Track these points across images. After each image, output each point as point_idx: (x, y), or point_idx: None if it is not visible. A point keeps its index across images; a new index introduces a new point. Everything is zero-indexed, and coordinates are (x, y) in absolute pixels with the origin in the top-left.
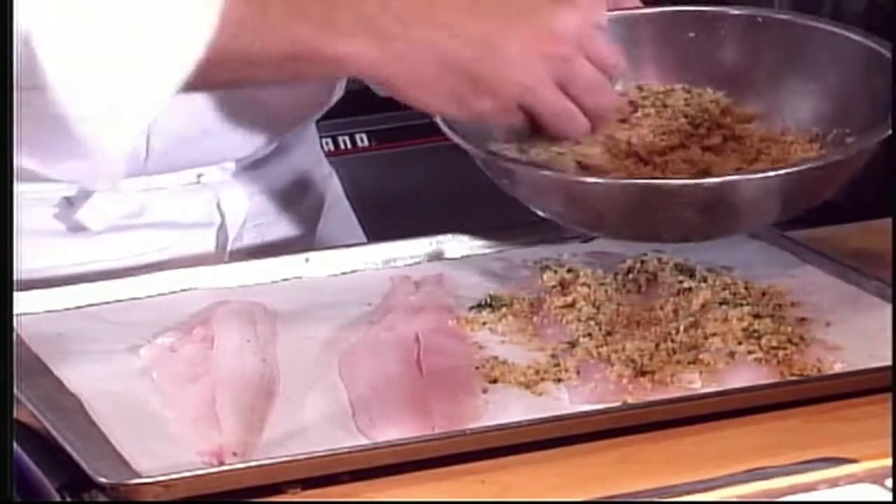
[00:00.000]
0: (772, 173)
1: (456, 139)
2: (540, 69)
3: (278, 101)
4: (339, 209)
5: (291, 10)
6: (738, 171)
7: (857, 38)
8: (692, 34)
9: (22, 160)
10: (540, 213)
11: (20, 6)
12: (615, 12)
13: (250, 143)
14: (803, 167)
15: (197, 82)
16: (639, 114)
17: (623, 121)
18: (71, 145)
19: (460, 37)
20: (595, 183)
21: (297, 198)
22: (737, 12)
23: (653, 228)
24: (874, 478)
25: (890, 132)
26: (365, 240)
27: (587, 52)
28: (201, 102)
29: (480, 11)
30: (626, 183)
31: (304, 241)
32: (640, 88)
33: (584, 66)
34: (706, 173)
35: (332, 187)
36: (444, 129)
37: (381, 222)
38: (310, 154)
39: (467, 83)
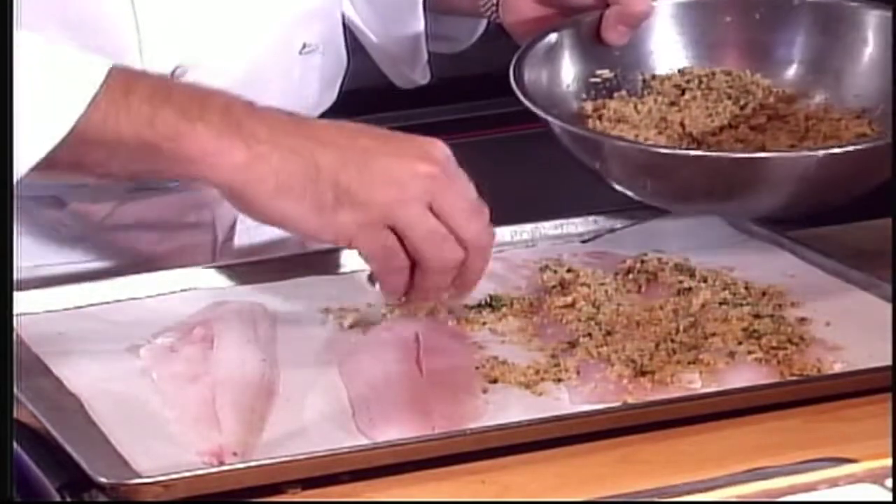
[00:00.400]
0: (870, 144)
1: (535, 109)
2: (410, 185)
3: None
4: None
5: (157, 97)
6: (826, 145)
7: (887, 14)
8: (728, 18)
9: None
10: (618, 187)
11: None
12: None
13: None
14: (874, 143)
15: (40, 162)
16: (686, 96)
17: (672, 104)
18: None
19: (329, 146)
20: (695, 156)
21: None
22: None
23: (744, 201)
24: (874, 478)
25: None
26: None
27: (460, 183)
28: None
29: (349, 129)
30: (734, 156)
31: (295, 243)
32: (682, 72)
33: (457, 190)
34: (763, 150)
35: None
36: (518, 93)
37: None
38: None
39: (332, 193)
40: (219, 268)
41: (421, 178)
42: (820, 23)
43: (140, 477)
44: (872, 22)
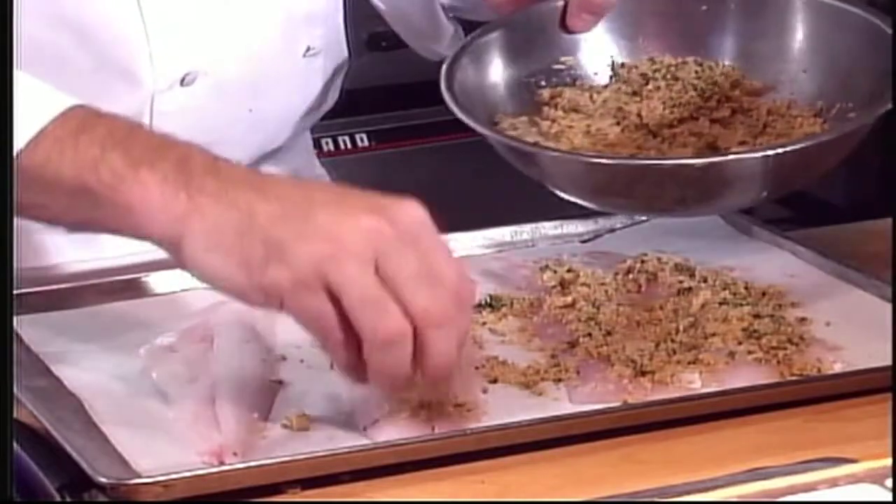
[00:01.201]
0: (747, 155)
1: (460, 115)
2: (348, 240)
3: (271, 109)
4: None
5: (109, 139)
6: (726, 151)
7: (859, 12)
8: (704, 7)
9: None
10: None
11: None
12: None
13: (243, 151)
14: (781, 150)
15: None
16: (650, 86)
17: (634, 93)
18: None
19: (273, 199)
20: (587, 162)
21: None
22: None
23: (648, 202)
24: (874, 478)
25: (888, 107)
26: None
27: (421, 247)
28: (197, 115)
29: (309, 186)
30: (616, 163)
31: None
32: (653, 61)
33: (411, 256)
34: (711, 147)
35: None
36: (450, 103)
37: None
38: (303, 156)
39: (263, 248)
40: None
41: (363, 232)
42: (792, 16)
43: (140, 477)
44: (841, 18)
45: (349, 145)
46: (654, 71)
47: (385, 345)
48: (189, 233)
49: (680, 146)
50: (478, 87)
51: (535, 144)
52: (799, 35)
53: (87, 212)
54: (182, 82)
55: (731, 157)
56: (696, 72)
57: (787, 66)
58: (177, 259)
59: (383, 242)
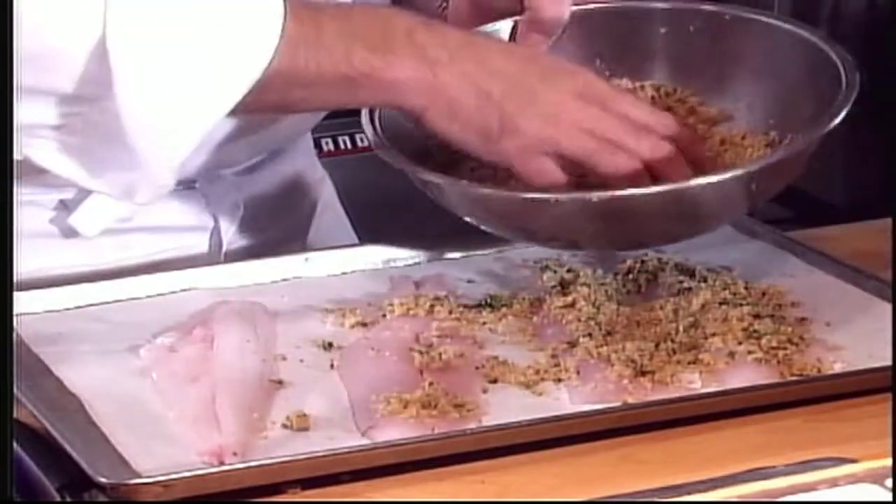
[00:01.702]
0: (659, 189)
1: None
2: (568, 120)
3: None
4: (331, 213)
5: (346, 32)
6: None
7: (810, 37)
8: (664, 30)
9: (69, 170)
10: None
11: (96, 16)
12: (583, 6)
13: (245, 154)
14: (694, 184)
15: (249, 103)
16: None
17: None
18: (120, 156)
19: (499, 76)
20: (499, 196)
21: (289, 202)
22: (707, 8)
23: (567, 238)
24: (874, 478)
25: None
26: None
27: (618, 109)
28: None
29: (516, 56)
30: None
31: (297, 245)
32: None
33: (614, 117)
34: (653, 177)
35: (325, 191)
36: (369, 134)
37: (382, 222)
38: (303, 158)
39: (498, 121)
40: (219, 268)
41: (579, 112)
42: (750, 41)
43: (140, 477)
44: (793, 45)
45: (349, 145)
46: None
47: (623, 179)
48: (433, 105)
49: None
50: None
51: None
52: (757, 63)
53: (348, 97)
54: None
55: (624, 192)
56: (653, 97)
57: (742, 91)
58: (418, 122)
59: (592, 116)
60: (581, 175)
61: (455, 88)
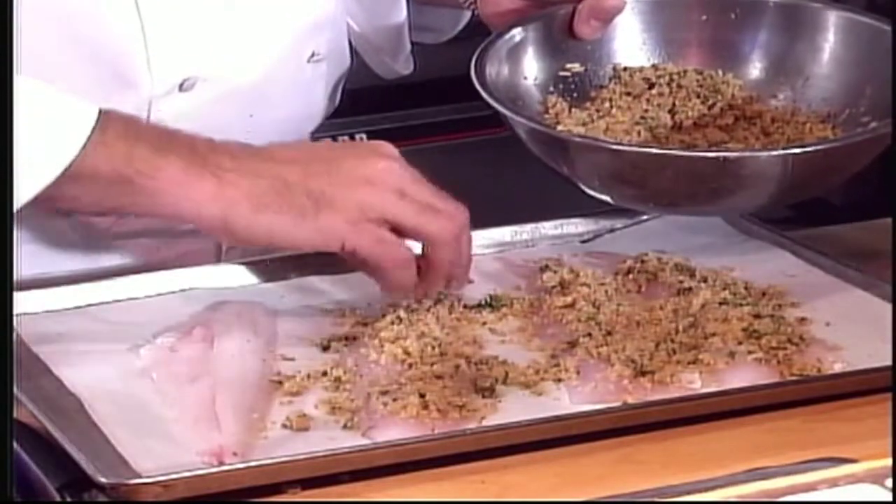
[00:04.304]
0: (797, 150)
1: (492, 102)
2: (379, 179)
3: (272, 115)
4: None
5: (129, 134)
6: (765, 147)
7: (866, 19)
8: (705, 17)
9: None
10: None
11: None
12: None
13: None
14: (826, 145)
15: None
16: (653, 91)
17: (637, 97)
18: None
19: (290, 163)
20: (637, 152)
21: None
22: None
23: (660, 195)
24: (874, 478)
25: None
26: None
27: (414, 173)
28: (196, 120)
29: (304, 146)
30: (637, 150)
31: None
32: (656, 67)
33: (417, 179)
34: (728, 149)
35: None
36: (481, 90)
37: None
38: None
39: (309, 200)
40: (219, 268)
41: (385, 171)
42: (794, 25)
43: (140, 477)
44: (845, 27)
45: None
46: (658, 77)
47: (449, 242)
48: (230, 205)
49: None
50: (506, 84)
51: (558, 130)
52: (800, 43)
53: (123, 199)
54: (181, 88)
55: (754, 153)
56: (698, 80)
57: (788, 74)
58: (221, 231)
59: (399, 176)
60: None
61: (246, 184)
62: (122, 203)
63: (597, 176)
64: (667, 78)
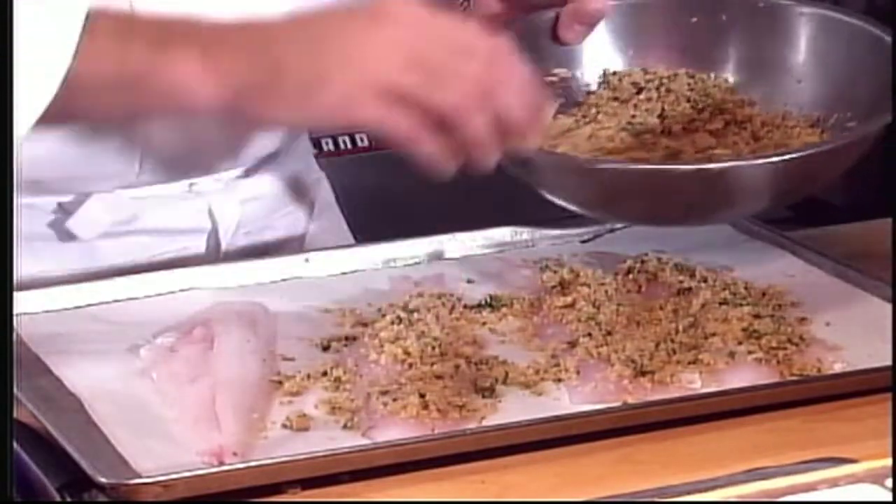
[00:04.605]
0: (775, 158)
1: None
2: (376, 62)
3: None
4: (328, 214)
5: (121, 33)
6: (740, 156)
7: (857, 22)
8: (695, 19)
9: None
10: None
11: None
12: None
13: (243, 156)
14: (805, 153)
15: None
16: (642, 96)
17: (625, 102)
18: None
19: (288, 42)
20: (604, 168)
21: (287, 203)
22: None
23: (654, 211)
24: (874, 478)
25: (890, 117)
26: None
27: (437, 32)
28: (185, 118)
29: (307, 24)
30: (635, 168)
31: (294, 246)
32: (645, 71)
33: (432, 35)
34: (710, 157)
35: (322, 192)
36: None
37: (383, 221)
38: (301, 160)
39: (309, 77)
40: (219, 268)
41: (389, 42)
42: (784, 27)
43: (140, 477)
44: (837, 29)
45: (349, 145)
46: (647, 81)
47: (476, 104)
48: (235, 94)
49: (674, 156)
50: None
51: (540, 150)
52: (791, 46)
53: (129, 101)
54: None
55: (742, 162)
56: (689, 83)
57: (778, 77)
58: (234, 119)
59: (402, 45)
60: None
61: (246, 71)
62: (133, 107)
63: (564, 193)
64: (656, 82)
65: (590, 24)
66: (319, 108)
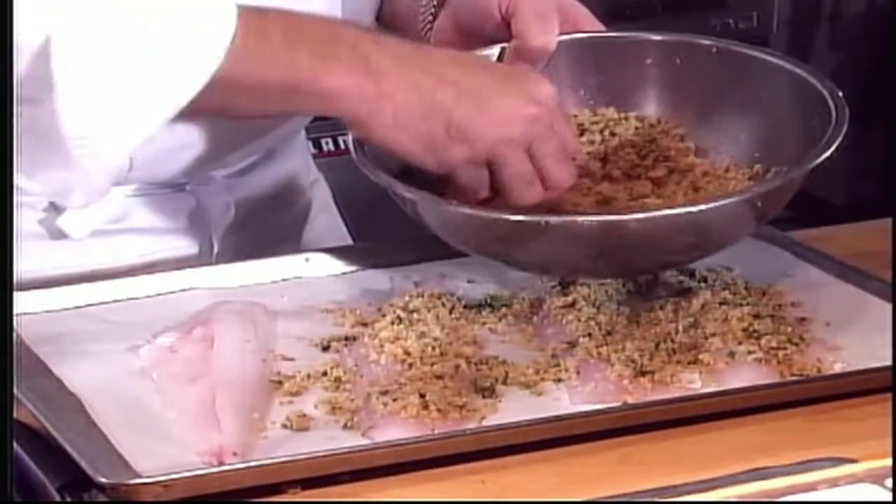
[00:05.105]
0: (656, 213)
1: (369, 172)
2: (518, 127)
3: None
4: (325, 215)
5: (292, 40)
6: (629, 209)
7: (798, 72)
8: (649, 61)
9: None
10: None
11: (43, 17)
12: (573, 35)
13: (236, 155)
14: (682, 210)
15: (188, 107)
16: (583, 139)
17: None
18: (55, 158)
19: (447, 84)
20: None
21: (282, 204)
22: (701, 41)
23: (547, 262)
24: (874, 478)
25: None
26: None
27: (556, 126)
28: (184, 117)
29: (466, 64)
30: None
31: (289, 247)
32: (594, 112)
33: (553, 135)
34: (630, 207)
35: (320, 193)
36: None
37: (383, 221)
38: (297, 160)
39: (446, 130)
40: (219, 268)
41: (528, 120)
42: (739, 75)
43: (140, 477)
44: (782, 79)
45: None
46: (593, 123)
47: (518, 204)
48: (381, 112)
49: (605, 203)
50: None
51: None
52: (744, 98)
53: (288, 103)
54: None
55: (628, 216)
56: (637, 128)
57: (729, 128)
58: (361, 133)
59: (537, 127)
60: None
61: (401, 97)
62: (286, 108)
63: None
64: (602, 124)
65: (534, 61)
66: (435, 161)
